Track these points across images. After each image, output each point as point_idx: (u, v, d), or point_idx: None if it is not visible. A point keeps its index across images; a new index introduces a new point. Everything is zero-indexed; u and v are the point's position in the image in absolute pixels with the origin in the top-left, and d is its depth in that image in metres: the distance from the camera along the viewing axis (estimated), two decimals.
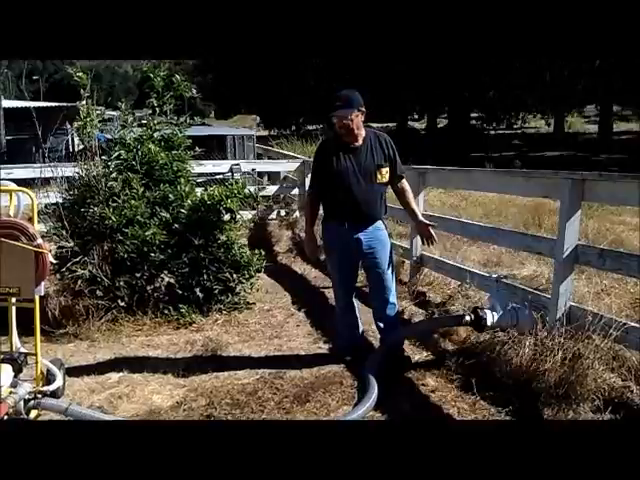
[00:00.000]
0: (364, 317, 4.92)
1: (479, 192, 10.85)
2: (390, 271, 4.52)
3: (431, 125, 37.99)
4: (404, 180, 4.51)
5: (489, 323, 4.33)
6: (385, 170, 4.35)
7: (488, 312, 4.37)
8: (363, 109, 4.31)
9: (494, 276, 4.95)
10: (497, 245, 6.54)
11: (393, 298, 4.59)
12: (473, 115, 38.44)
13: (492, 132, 38.60)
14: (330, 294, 6.49)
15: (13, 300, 3.89)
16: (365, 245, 4.39)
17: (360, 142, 4.34)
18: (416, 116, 45.62)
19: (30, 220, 3.94)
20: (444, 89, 29.20)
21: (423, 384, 4.19)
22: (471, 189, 8.67)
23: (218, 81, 34.92)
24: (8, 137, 24.78)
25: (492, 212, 10.68)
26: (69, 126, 24.56)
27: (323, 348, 5.01)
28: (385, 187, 4.43)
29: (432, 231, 4.43)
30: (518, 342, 4.07)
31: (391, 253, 4.54)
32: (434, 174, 6.47)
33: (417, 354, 4.72)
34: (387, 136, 4.46)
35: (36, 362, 3.96)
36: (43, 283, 3.98)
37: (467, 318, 4.43)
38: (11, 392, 3.67)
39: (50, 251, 3.92)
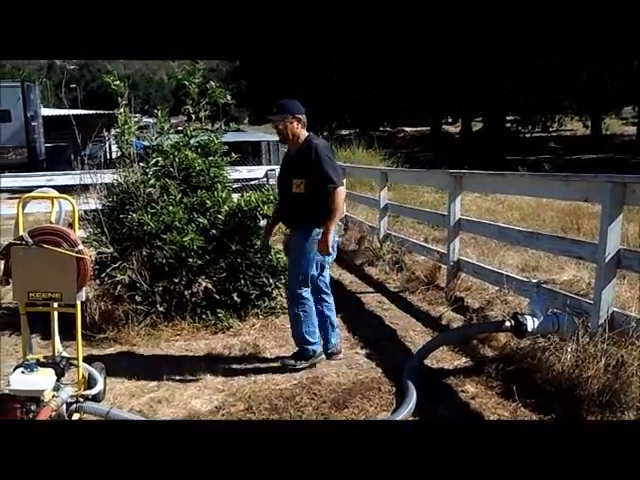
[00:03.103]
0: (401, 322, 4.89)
1: (516, 196, 10.73)
2: (296, 274, 4.64)
3: (466, 129, 37.69)
4: (335, 191, 4.36)
5: (529, 329, 4.27)
6: (300, 181, 4.43)
7: (528, 318, 4.30)
8: (299, 116, 4.50)
9: (534, 281, 4.87)
10: (536, 250, 6.45)
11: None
12: (508, 118, 38.06)
13: (528, 135, 38.16)
14: (366, 299, 6.50)
15: (55, 305, 3.96)
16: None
17: (295, 150, 4.56)
18: (450, 120, 45.37)
19: (71, 226, 4.00)
20: (478, 92, 28.97)
21: (462, 390, 4.15)
22: (508, 193, 8.59)
23: (252, 87, 35.17)
24: (48, 144, 25.28)
25: (529, 216, 10.54)
26: (106, 133, 25.06)
27: (360, 353, 4.99)
28: (308, 196, 4.42)
29: (329, 249, 4.44)
30: (559, 348, 4.00)
31: (304, 261, 4.57)
32: (471, 178, 6.42)
33: (456, 360, 4.67)
34: (319, 146, 4.46)
35: (77, 366, 4.03)
36: (84, 288, 4.04)
37: (507, 324, 4.37)
38: (54, 396, 3.73)
39: (90, 257, 3.98)
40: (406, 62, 26.83)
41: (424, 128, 39.88)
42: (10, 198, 14.83)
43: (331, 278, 7.44)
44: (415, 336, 5.31)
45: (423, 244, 7.56)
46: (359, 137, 16.85)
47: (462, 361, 4.67)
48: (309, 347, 4.73)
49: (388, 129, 40.72)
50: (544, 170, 13.72)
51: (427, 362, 4.61)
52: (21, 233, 3.86)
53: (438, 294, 6.21)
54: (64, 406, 3.79)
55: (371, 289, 6.89)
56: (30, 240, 3.81)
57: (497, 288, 5.75)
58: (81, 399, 3.98)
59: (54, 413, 3.66)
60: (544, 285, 4.82)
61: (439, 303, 6.02)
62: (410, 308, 6.08)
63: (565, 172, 5.33)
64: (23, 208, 4.01)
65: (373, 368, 4.66)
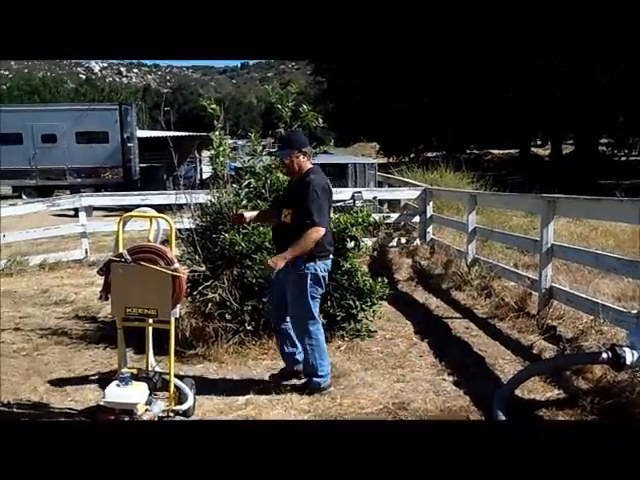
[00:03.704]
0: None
1: (610, 222, 10.34)
2: (299, 310, 4.61)
3: (555, 151, 36.67)
4: (309, 227, 4.33)
5: (628, 362, 4.05)
6: (288, 212, 4.46)
7: (627, 350, 4.09)
8: (305, 150, 4.49)
9: (634, 312, 4.66)
10: (632, 278, 6.18)
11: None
12: (602, 141, 36.76)
13: (623, 158, 36.69)
14: (453, 324, 6.39)
15: (150, 321, 4.10)
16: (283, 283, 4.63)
17: (295, 180, 4.58)
18: (539, 142, 44.29)
19: (168, 245, 4.14)
20: (570, 113, 28.19)
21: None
22: (602, 219, 8.28)
23: (339, 110, 35.51)
24: (142, 165, 26.26)
25: (625, 243, 10.12)
26: (197, 155, 25.87)
27: (448, 380, 4.90)
28: (293, 227, 4.42)
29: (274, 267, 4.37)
30: None
31: (304, 298, 4.54)
32: (564, 203, 6.24)
33: (548, 391, 4.52)
34: (314, 180, 4.45)
35: (169, 381, 4.14)
36: (179, 306, 4.17)
37: (604, 356, 4.15)
38: (146, 409, 3.85)
39: (185, 275, 4.10)
40: (494, 83, 26.46)
41: (512, 151, 39.08)
42: (106, 216, 15.54)
43: (417, 302, 7.43)
44: (504, 365, 5.18)
45: (513, 269, 7.39)
46: (446, 159, 16.69)
47: (554, 393, 4.51)
48: (317, 379, 4.70)
49: (475, 151, 40.17)
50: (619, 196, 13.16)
51: (517, 392, 4.48)
52: (121, 250, 4.03)
53: (529, 322, 6.04)
54: (156, 420, 3.91)
55: (458, 314, 6.78)
56: (129, 257, 3.97)
57: (592, 317, 5.54)
58: (172, 414, 4.09)
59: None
60: None
61: (530, 331, 5.85)
62: (499, 335, 5.94)
63: None
64: (123, 226, 4.19)
65: (461, 396, 4.57)
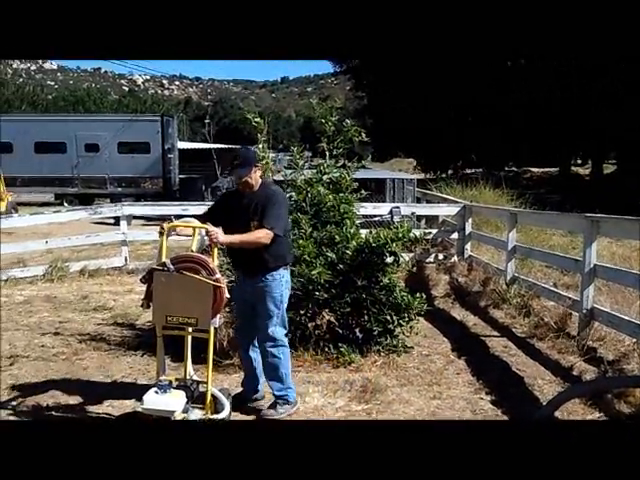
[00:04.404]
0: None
1: None
2: (272, 319, 4.51)
3: (597, 170, 36.16)
4: (264, 231, 4.26)
5: None
6: (254, 224, 4.34)
7: None
8: (259, 164, 4.55)
9: None
10: None
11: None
12: None
13: None
14: (491, 343, 6.32)
15: (190, 330, 4.13)
16: (250, 295, 4.54)
17: (249, 194, 4.44)
18: (580, 161, 43.68)
19: (210, 255, 4.18)
20: (611, 131, 27.76)
21: None
22: None
23: (377, 125, 35.55)
24: (181, 176, 26.62)
25: None
26: None
27: (485, 399, 4.84)
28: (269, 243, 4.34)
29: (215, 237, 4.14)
30: None
31: (279, 303, 4.50)
32: (608, 223, 6.14)
33: (588, 414, 4.43)
34: (274, 191, 4.49)
35: (207, 390, 4.16)
36: (218, 315, 4.20)
37: None
38: (184, 418, 3.87)
39: (225, 285, 4.13)
40: (535, 100, 26.23)
41: (551, 169, 38.63)
42: (145, 225, 15.77)
43: (454, 319, 7.37)
44: (544, 385, 5.09)
45: (553, 289, 7.27)
46: (485, 176, 16.57)
47: (595, 416, 4.42)
48: (290, 392, 4.65)
49: (514, 169, 39.80)
50: None
51: (557, 414, 4.39)
52: (164, 259, 4.08)
53: (568, 342, 5.94)
54: None
55: (496, 333, 6.70)
56: (172, 267, 4.02)
57: (634, 340, 5.43)
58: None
59: None
60: None
61: (570, 352, 5.75)
62: (538, 355, 5.85)
63: None
64: (167, 236, 4.24)
65: (499, 416, 4.51)
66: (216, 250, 4.13)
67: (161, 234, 4.14)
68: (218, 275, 4.01)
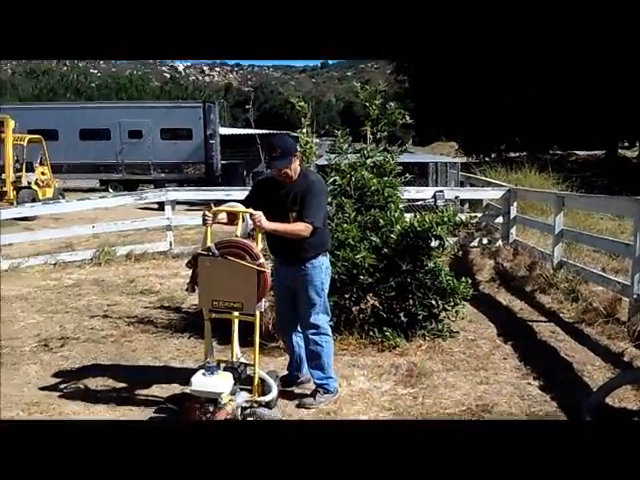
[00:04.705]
0: None
1: None
2: (315, 307, 4.49)
3: None
4: (304, 224, 4.20)
5: None
6: (293, 215, 4.27)
7: None
8: (297, 153, 4.37)
9: None
10: None
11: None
12: None
13: None
14: (538, 328, 6.23)
15: (236, 313, 4.16)
16: (290, 282, 4.52)
17: (292, 182, 4.33)
18: (626, 144, 42.57)
19: (254, 240, 4.18)
20: None
21: None
22: None
23: (419, 108, 35.15)
24: (223, 161, 26.78)
25: None
26: None
27: (533, 385, 4.78)
28: None
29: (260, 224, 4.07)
30: None
31: (322, 292, 4.49)
32: None
33: None
34: (313, 181, 4.36)
35: (254, 372, 4.19)
36: (264, 299, 4.21)
37: None
38: (230, 400, 3.91)
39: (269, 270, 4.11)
40: (581, 82, 25.58)
41: (597, 152, 37.71)
42: (188, 210, 15.93)
43: (499, 304, 7.28)
44: (593, 371, 5.01)
45: (602, 274, 7.12)
46: (529, 160, 16.27)
47: None
48: (331, 382, 4.61)
49: (558, 152, 38.98)
50: None
51: (608, 400, 4.32)
52: (209, 244, 4.11)
53: (619, 328, 5.81)
54: (239, 410, 3.97)
55: (543, 318, 6.59)
56: (216, 251, 4.04)
57: None
58: (255, 405, 4.14)
59: (229, 416, 3.85)
60: None
61: (620, 338, 5.64)
62: (587, 341, 5.74)
63: None
64: (212, 221, 4.24)
65: (547, 401, 4.45)
66: (260, 235, 4.12)
67: (205, 220, 4.14)
68: (262, 260, 4.01)
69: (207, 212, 4.13)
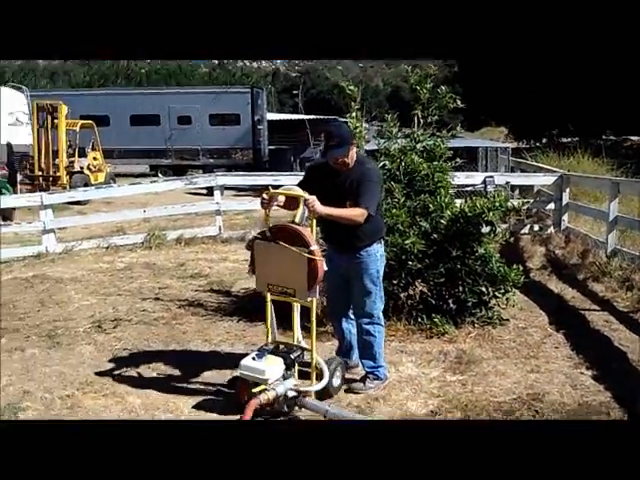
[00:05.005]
0: None
1: None
2: (370, 295, 4.47)
3: None
4: (359, 209, 4.10)
5: None
6: (349, 203, 4.15)
7: None
8: (355, 141, 4.33)
9: None
10: None
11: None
12: None
13: None
14: (591, 317, 6.10)
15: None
16: (344, 270, 4.45)
17: (348, 170, 4.25)
18: None
19: (309, 226, 4.08)
20: None
21: None
22: None
23: (468, 93, 34.62)
24: (270, 147, 26.86)
25: None
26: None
27: (586, 374, 4.69)
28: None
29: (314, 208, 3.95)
30: None
31: (377, 281, 4.47)
32: None
33: None
34: (369, 169, 4.29)
35: (311, 359, 4.12)
36: (317, 287, 4.10)
37: None
38: (265, 389, 3.85)
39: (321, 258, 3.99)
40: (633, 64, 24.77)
41: None
42: (236, 195, 16.07)
43: (551, 292, 7.14)
44: None
45: None
46: (582, 145, 15.87)
47: None
48: (381, 370, 4.57)
49: (612, 138, 37.92)
50: None
51: None
52: (264, 228, 4.11)
53: None
54: (282, 399, 3.89)
55: (596, 307, 6.44)
56: (270, 235, 4.04)
57: None
58: (302, 394, 4.01)
59: (269, 406, 3.82)
60: None
61: None
62: None
63: None
64: (270, 204, 4.14)
65: (601, 391, 4.36)
66: (315, 221, 4.02)
67: (263, 203, 4.11)
68: (314, 247, 3.93)
69: (265, 195, 4.11)
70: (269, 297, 4.16)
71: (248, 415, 3.66)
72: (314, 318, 4.08)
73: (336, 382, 4.32)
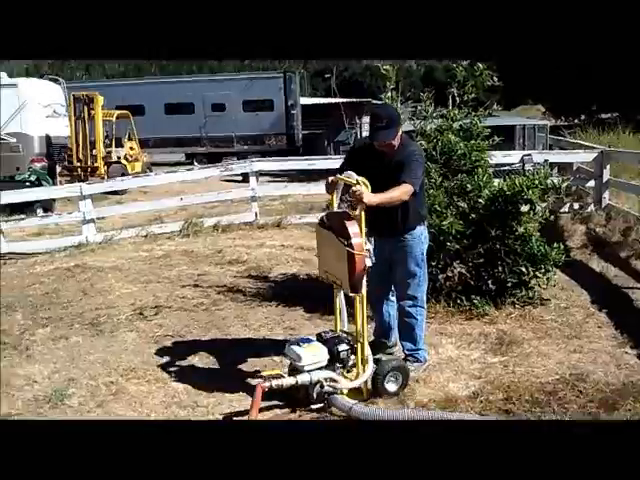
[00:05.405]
0: None
1: None
2: (415, 277, 4.42)
3: None
4: (404, 185, 3.98)
5: None
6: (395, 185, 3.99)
7: None
8: (401, 122, 4.22)
9: None
10: None
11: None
12: None
13: None
14: (634, 295, 5.98)
15: None
16: (388, 254, 4.36)
17: (393, 152, 4.16)
18: None
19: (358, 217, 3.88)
20: None
21: None
22: None
23: (504, 70, 34.03)
24: (304, 132, 26.79)
25: None
26: (358, 121, 25.95)
27: (630, 354, 4.61)
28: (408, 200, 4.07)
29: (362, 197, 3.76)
30: None
31: (422, 263, 4.42)
32: None
33: None
34: (413, 150, 4.20)
35: (359, 349, 4.02)
36: (363, 282, 3.88)
37: None
38: (280, 374, 3.86)
39: (368, 251, 3.80)
40: None
41: None
42: (271, 181, 16.11)
43: (592, 270, 7.02)
44: None
45: None
46: (622, 121, 15.51)
47: None
48: (421, 352, 4.52)
49: None
50: None
51: None
52: (327, 212, 4.07)
53: None
54: (314, 388, 3.82)
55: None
56: (327, 222, 3.99)
57: None
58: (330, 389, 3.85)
59: (275, 389, 3.75)
60: None
61: None
62: None
63: None
64: (335, 190, 4.10)
65: None
66: (362, 211, 3.80)
67: (329, 188, 4.08)
68: (357, 240, 3.73)
69: (330, 179, 4.08)
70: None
71: (257, 398, 3.62)
72: (364, 314, 3.98)
73: (391, 387, 4.08)
